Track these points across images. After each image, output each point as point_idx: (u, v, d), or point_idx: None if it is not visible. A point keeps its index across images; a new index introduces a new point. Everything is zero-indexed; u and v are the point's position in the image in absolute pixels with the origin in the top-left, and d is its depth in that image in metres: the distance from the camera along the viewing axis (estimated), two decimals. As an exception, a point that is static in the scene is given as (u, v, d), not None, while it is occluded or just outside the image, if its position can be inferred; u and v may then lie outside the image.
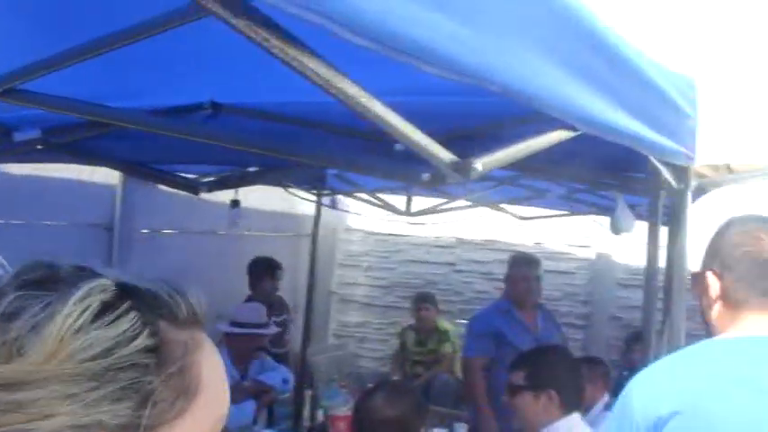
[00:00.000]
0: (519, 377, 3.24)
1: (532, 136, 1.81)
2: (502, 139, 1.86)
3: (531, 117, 2.22)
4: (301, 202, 7.10)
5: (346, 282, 9.20)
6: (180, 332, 0.82)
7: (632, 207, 4.00)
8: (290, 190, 6.09)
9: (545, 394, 3.13)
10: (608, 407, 4.58)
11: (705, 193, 3.63)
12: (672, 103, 2.59)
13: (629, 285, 7.81)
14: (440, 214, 6.30)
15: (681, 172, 2.94)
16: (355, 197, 6.19)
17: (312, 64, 1.15)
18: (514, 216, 6.85)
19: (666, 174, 2.86)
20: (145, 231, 6.30)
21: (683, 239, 3.00)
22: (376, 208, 6.08)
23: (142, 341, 0.76)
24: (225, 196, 5.54)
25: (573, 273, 8.07)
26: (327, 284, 9.05)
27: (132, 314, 0.77)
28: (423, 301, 7.41)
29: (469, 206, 6.10)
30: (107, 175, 5.74)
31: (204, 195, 4.47)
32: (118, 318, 0.76)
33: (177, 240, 6.62)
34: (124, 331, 0.75)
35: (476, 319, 5.87)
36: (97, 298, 0.75)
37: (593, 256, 8.06)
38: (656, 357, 3.03)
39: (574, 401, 3.18)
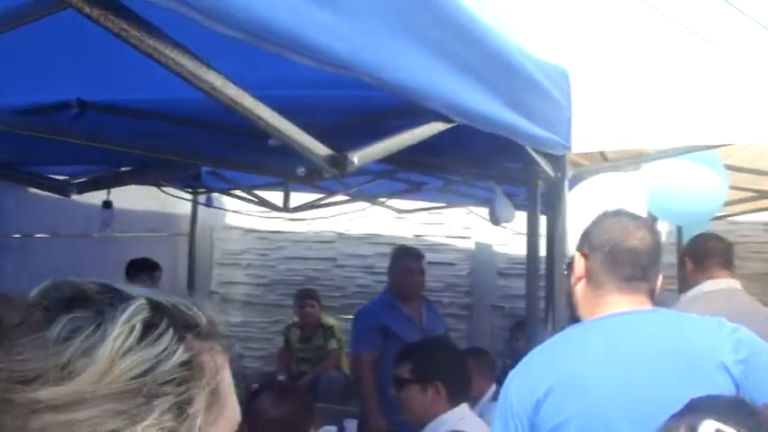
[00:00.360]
0: (405, 370, 3.22)
1: (409, 128, 1.78)
2: (377, 132, 1.83)
3: (407, 109, 2.20)
4: (177, 202, 6.96)
5: (226, 281, 9.04)
6: (204, 344, 0.88)
7: (510, 197, 4.04)
8: (165, 189, 5.95)
9: (432, 387, 3.12)
10: (495, 397, 4.62)
11: (581, 180, 3.70)
12: (546, 94, 2.62)
13: (509, 274, 7.92)
14: (319, 209, 6.26)
15: (557, 161, 2.98)
16: (232, 195, 6.09)
17: (174, 54, 1.08)
18: (393, 209, 6.86)
19: (543, 163, 2.88)
20: (17, 236, 6.04)
21: (563, 227, 3.04)
22: (253, 205, 5.99)
23: (179, 357, 0.83)
24: (98, 197, 5.37)
25: (454, 264, 8.13)
26: (207, 284, 8.88)
27: (170, 331, 0.83)
28: (305, 297, 7.34)
29: (348, 201, 6.08)
30: (-27, 178, 5.48)
31: (76, 197, 4.32)
32: (159, 336, 0.82)
33: (51, 244, 6.37)
34: (164, 349, 0.82)
35: (361, 313, 5.86)
36: (139, 318, 0.81)
37: (472, 246, 8.14)
38: (541, 342, 3.07)
39: (461, 393, 3.18)
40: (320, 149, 1.45)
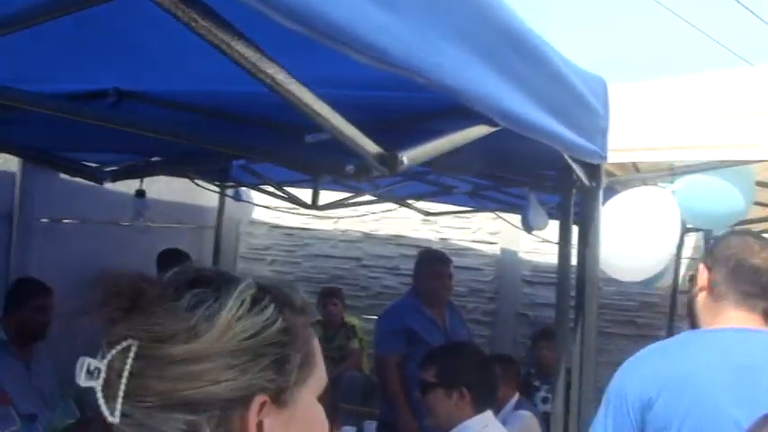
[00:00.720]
0: (430, 374, 3.20)
1: (453, 130, 1.77)
2: (421, 133, 1.82)
3: (451, 111, 2.19)
4: (205, 194, 6.94)
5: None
6: (297, 318, 1.10)
7: (541, 205, 4.01)
8: (195, 181, 5.96)
9: (457, 392, 3.10)
10: (518, 405, 4.60)
11: (612, 190, 3.67)
12: (585, 102, 2.60)
13: (534, 282, 7.87)
14: (346, 208, 6.24)
15: (593, 170, 2.95)
16: (261, 190, 6.07)
17: (240, 47, 1.10)
18: (420, 211, 6.83)
19: (579, 172, 2.86)
20: (45, 220, 6.05)
21: (596, 236, 3.01)
22: (282, 201, 5.98)
23: (279, 324, 1.05)
24: (128, 186, 5.38)
25: (479, 269, 8.09)
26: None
27: (272, 305, 1.06)
28: (329, 296, 7.31)
29: (375, 201, 6.06)
30: (5, 162, 5.51)
31: (108, 185, 4.33)
32: (264, 308, 1.05)
33: (78, 230, 6.38)
34: (267, 318, 1.05)
35: (386, 315, 5.84)
36: (248, 293, 1.05)
37: (498, 252, 8.09)
38: (569, 354, 3.05)
39: (487, 399, 3.15)
40: (371, 147, 1.44)
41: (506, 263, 8.04)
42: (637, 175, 4.22)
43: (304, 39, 1.09)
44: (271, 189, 5.85)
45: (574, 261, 3.15)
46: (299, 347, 1.08)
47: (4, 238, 5.62)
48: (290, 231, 8.86)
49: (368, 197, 5.92)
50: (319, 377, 1.14)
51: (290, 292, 1.12)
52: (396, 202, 6.34)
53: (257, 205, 7.39)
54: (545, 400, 5.53)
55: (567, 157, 2.65)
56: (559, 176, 3.17)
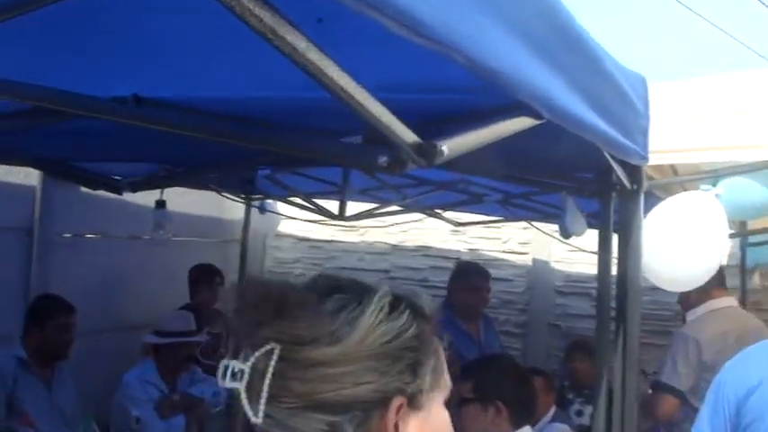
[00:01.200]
0: (466, 389, 3.06)
1: (495, 121, 1.64)
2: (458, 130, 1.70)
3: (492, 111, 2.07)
4: (230, 208, 6.87)
5: (277, 290, 8.92)
6: (427, 324, 1.15)
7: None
8: (221, 193, 5.87)
9: (492, 406, 2.97)
10: (555, 418, 4.46)
11: (654, 197, 3.53)
12: (628, 100, 2.48)
13: (566, 293, 7.71)
14: (374, 219, 6.13)
15: (634, 172, 2.82)
16: (287, 201, 5.97)
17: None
18: (449, 222, 6.70)
19: (620, 173, 2.72)
20: (66, 235, 5.96)
21: (637, 242, 2.87)
22: (308, 212, 5.86)
23: (413, 330, 1.11)
24: (150, 199, 5.29)
25: (510, 280, 7.94)
26: (258, 292, 8.77)
27: (407, 311, 1.12)
28: (357, 309, 7.19)
29: (403, 211, 5.94)
30: (26, 176, 5.41)
31: (129, 198, 4.25)
32: (400, 314, 1.11)
33: (100, 245, 6.29)
34: (403, 323, 1.10)
35: None
36: (386, 301, 1.10)
37: (529, 262, 7.94)
38: (610, 366, 2.90)
39: (524, 415, 3.02)
40: (408, 136, 1.32)
41: (538, 273, 7.89)
42: (675, 178, 4.07)
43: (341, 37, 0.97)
44: (298, 201, 5.74)
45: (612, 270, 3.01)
46: (431, 352, 1.15)
47: (25, 253, 5.51)
48: (316, 244, 8.75)
49: (395, 207, 5.80)
50: (447, 383, 1.21)
51: (419, 299, 1.18)
52: (424, 213, 6.22)
53: (285, 216, 7.27)
54: (579, 413, 5.43)
55: (609, 157, 2.51)
56: (598, 179, 3.03)
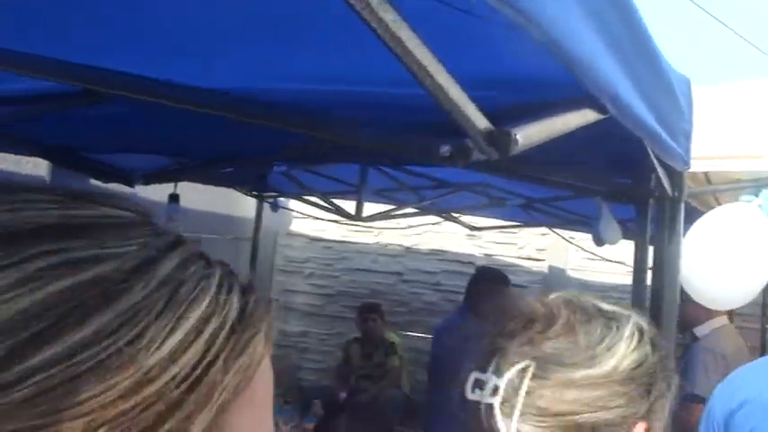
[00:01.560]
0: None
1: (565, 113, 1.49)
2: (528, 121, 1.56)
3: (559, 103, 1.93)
4: (242, 204, 6.75)
5: (287, 289, 8.78)
6: (660, 351, 1.18)
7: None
8: (235, 189, 5.75)
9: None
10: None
11: (693, 210, 3.38)
12: (676, 101, 2.32)
13: (583, 301, 7.55)
14: (389, 221, 5.98)
15: (676, 178, 2.66)
16: (302, 199, 5.83)
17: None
18: (465, 225, 6.55)
19: (664, 178, 2.56)
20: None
21: (677, 251, 2.70)
22: (322, 211, 5.71)
23: (654, 357, 1.14)
24: (162, 194, 5.16)
25: (525, 287, 7.78)
26: (267, 291, 8.64)
27: (647, 338, 1.16)
28: (369, 311, 7.07)
29: (420, 213, 5.79)
30: (35, 167, 5.28)
31: (141, 193, 4.08)
32: (645, 342, 1.14)
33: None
34: (647, 351, 1.13)
35: (443, 331, 5.57)
36: (635, 329, 1.15)
37: (545, 269, 7.79)
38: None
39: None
40: (481, 122, 1.17)
41: (554, 280, 7.74)
42: (710, 186, 3.91)
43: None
44: (312, 199, 5.60)
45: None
46: (662, 378, 1.15)
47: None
48: (328, 244, 8.62)
49: (412, 209, 5.65)
50: (666, 408, 1.19)
51: (649, 327, 1.19)
52: (440, 216, 6.08)
53: (296, 213, 7.13)
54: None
55: (655, 160, 2.35)
56: (635, 185, 2.87)
